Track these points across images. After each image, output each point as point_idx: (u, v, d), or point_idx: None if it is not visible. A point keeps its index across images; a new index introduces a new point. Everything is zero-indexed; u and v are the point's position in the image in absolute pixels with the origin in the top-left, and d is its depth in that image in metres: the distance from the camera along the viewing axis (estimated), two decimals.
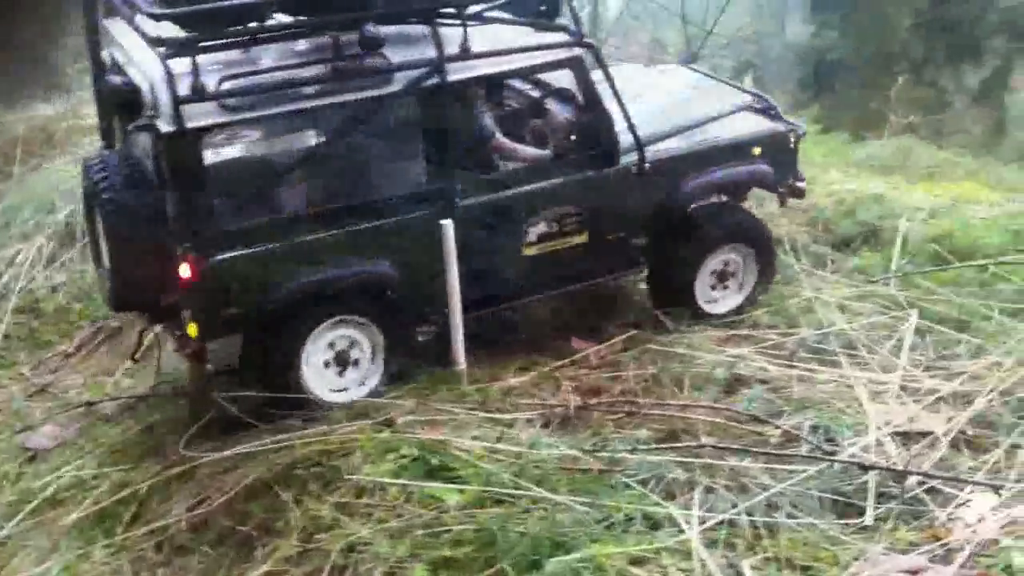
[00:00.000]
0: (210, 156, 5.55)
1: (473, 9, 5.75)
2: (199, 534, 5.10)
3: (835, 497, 4.59)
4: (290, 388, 5.65)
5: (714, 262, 6.61)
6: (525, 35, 6.01)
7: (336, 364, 5.82)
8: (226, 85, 5.23)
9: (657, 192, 6.37)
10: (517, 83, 6.80)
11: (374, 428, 5.19)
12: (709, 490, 4.63)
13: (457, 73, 5.71)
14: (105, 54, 6.02)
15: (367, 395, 5.76)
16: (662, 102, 6.82)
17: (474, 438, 5.09)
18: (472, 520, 4.37)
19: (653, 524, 4.45)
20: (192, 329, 5.48)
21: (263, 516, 4.89)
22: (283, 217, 5.65)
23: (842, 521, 4.46)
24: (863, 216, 7.91)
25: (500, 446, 4.99)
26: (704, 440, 5.09)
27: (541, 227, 6.17)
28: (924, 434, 4.98)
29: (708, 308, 6.63)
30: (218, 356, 5.58)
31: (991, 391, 5.18)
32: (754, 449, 4.92)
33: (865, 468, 4.71)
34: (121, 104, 5.37)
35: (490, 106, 6.40)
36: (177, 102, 5.15)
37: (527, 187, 6.08)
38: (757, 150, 6.64)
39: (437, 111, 5.71)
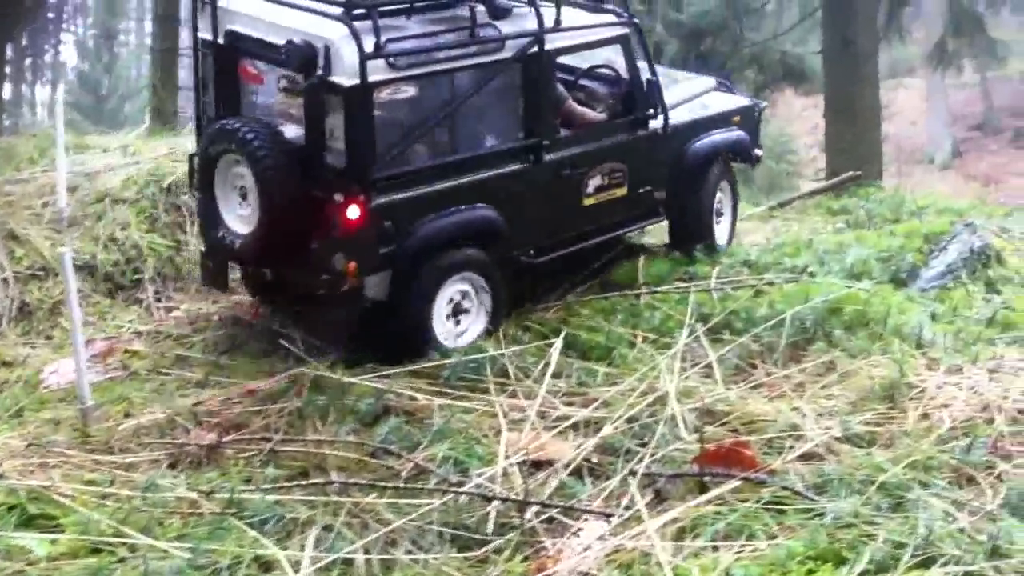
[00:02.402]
0: (376, 109, 6.10)
1: None
2: None
3: (457, 531, 4.56)
4: (425, 323, 6.32)
5: (715, 200, 7.87)
6: (581, 15, 7.10)
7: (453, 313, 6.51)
8: (390, 47, 5.93)
9: (673, 152, 7.56)
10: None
11: None
12: (328, 528, 4.51)
13: (549, 43, 6.63)
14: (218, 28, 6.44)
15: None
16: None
17: (87, 482, 4.77)
18: (59, 572, 4.06)
19: (265, 567, 4.29)
20: (352, 267, 6.01)
21: None
22: (426, 166, 6.38)
23: (460, 554, 4.44)
24: None
25: (112, 491, 4.69)
26: (333, 476, 4.96)
27: (597, 180, 7.11)
28: (551, 462, 5.03)
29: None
30: (371, 290, 6.21)
31: (619, 418, 5.30)
32: (380, 484, 4.84)
33: (488, 499, 4.72)
34: (301, 64, 5.90)
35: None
36: (364, 58, 5.79)
37: (590, 145, 7.06)
38: (737, 119, 7.97)
39: (534, 76, 6.61)
